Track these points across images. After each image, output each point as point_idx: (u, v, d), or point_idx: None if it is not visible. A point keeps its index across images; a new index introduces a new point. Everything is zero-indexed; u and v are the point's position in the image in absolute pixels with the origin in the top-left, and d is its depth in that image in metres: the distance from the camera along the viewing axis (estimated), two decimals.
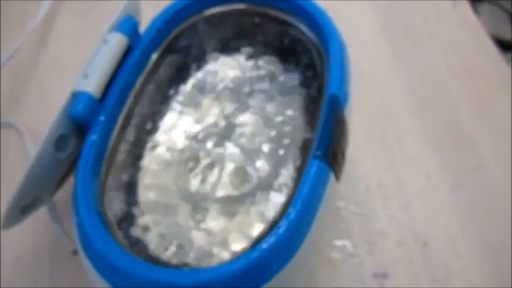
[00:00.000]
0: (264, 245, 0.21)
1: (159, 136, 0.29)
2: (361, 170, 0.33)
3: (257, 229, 0.25)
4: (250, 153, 0.28)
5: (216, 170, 0.27)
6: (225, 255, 0.24)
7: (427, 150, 0.34)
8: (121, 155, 0.27)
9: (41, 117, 0.35)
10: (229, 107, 0.30)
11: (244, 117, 0.29)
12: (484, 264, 0.29)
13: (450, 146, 0.34)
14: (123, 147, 0.27)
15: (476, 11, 0.40)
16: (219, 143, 0.28)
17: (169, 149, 0.28)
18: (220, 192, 0.27)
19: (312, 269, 0.29)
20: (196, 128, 0.29)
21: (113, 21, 0.27)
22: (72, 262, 0.30)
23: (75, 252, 0.30)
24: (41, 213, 0.28)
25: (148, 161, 0.28)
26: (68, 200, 0.24)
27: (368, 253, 0.30)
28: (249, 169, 0.27)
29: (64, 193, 0.27)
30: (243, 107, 0.30)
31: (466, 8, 0.40)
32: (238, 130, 0.29)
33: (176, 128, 0.29)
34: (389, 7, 0.41)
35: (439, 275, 0.29)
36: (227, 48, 0.32)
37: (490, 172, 0.33)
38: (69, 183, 0.26)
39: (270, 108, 0.29)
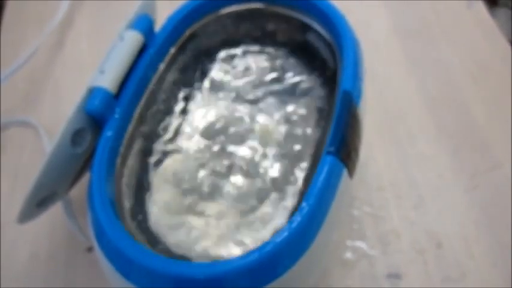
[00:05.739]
0: (278, 239, 0.21)
1: (174, 133, 0.29)
2: (374, 170, 0.33)
3: (269, 224, 0.25)
4: (263, 152, 0.28)
5: (229, 167, 0.28)
6: (237, 250, 0.24)
7: (440, 150, 0.33)
8: (136, 150, 0.27)
9: (58, 116, 0.35)
10: (244, 107, 0.30)
11: (258, 117, 0.29)
12: (498, 264, 0.29)
13: (463, 146, 0.33)
14: (138, 143, 0.27)
15: (492, 15, 0.39)
16: (233, 141, 0.29)
17: (183, 146, 0.28)
18: (233, 189, 0.27)
19: (324, 268, 0.29)
20: (210, 126, 0.29)
21: (128, 19, 0.27)
22: (86, 259, 0.30)
23: (89, 249, 0.30)
24: (56, 211, 0.28)
25: (163, 156, 0.28)
26: (82, 198, 0.24)
27: (381, 253, 0.30)
28: (262, 167, 0.27)
29: (79, 191, 0.28)
30: (257, 107, 0.30)
31: (481, 7, 0.40)
32: (252, 129, 0.29)
33: (190, 125, 0.29)
34: (402, 7, 0.41)
35: (453, 275, 0.29)
36: (242, 47, 0.32)
37: (504, 172, 0.32)
38: (84, 180, 0.26)
39: (283, 107, 0.30)
